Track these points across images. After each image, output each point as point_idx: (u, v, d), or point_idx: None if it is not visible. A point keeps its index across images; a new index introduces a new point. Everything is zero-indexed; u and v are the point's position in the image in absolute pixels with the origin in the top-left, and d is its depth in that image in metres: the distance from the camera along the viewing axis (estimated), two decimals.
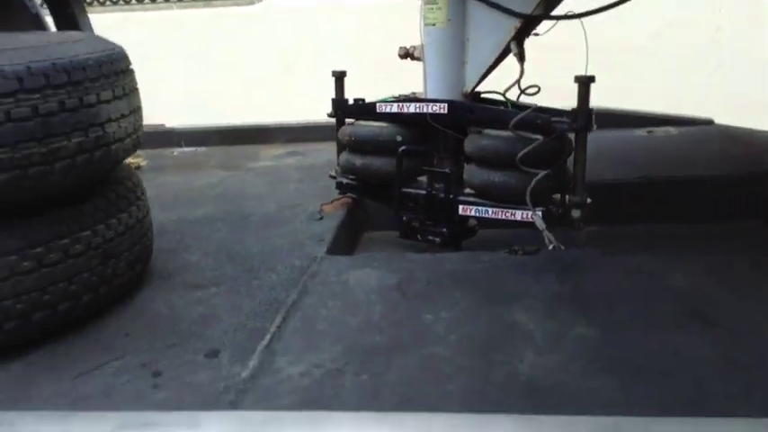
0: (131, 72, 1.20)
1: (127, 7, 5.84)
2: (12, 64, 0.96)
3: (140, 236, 1.28)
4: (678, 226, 1.74)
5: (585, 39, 1.47)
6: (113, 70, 1.12)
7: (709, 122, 2.43)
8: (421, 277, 1.33)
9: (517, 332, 1.10)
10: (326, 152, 2.28)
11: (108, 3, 5.92)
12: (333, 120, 1.82)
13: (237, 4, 5.66)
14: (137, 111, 1.20)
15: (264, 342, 1.10)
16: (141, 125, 1.23)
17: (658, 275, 1.27)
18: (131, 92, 1.18)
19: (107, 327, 1.17)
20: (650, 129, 2.43)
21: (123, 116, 1.14)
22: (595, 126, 1.46)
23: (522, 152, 1.43)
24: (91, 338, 1.13)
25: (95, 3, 5.80)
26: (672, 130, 2.41)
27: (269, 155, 2.48)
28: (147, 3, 5.78)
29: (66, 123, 1.01)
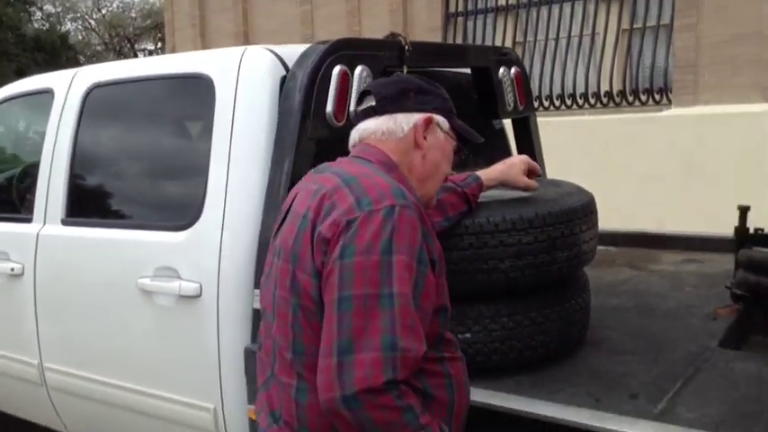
0: (596, 212, 1.93)
1: (547, 113, 6.84)
2: (539, 210, 1.76)
3: (586, 313, 1.98)
4: None
5: None
6: (588, 211, 1.86)
7: None
8: None
9: None
10: (722, 264, 2.71)
11: None
12: (731, 234, 2.32)
13: (646, 111, 6.23)
14: (596, 237, 1.92)
15: (668, 396, 1.67)
16: (596, 246, 1.94)
17: None
18: (595, 225, 1.90)
19: (565, 367, 1.87)
20: None
21: (590, 240, 1.86)
22: None
23: None
24: (554, 372, 1.84)
25: None
26: None
27: (669, 259, 3.00)
28: (564, 109, 6.71)
29: (563, 244, 1.77)
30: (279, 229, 1.49)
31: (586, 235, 1.85)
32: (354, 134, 1.55)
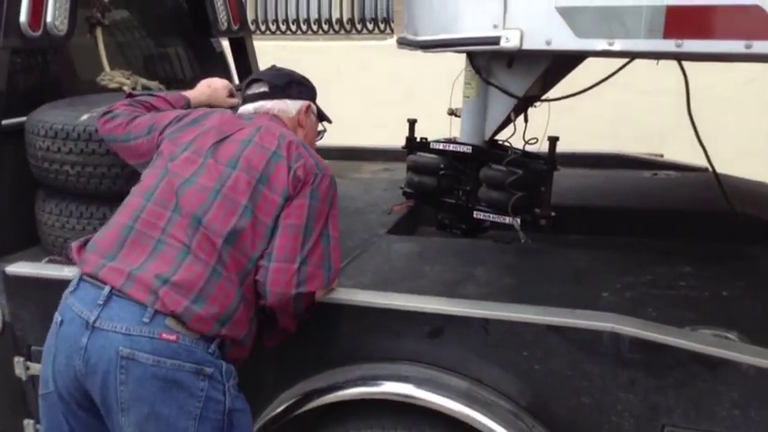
0: None
1: (283, 37, 7.05)
2: None
3: None
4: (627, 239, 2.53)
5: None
6: None
7: (705, 170, 3.11)
8: (434, 249, 2.24)
9: (471, 277, 1.98)
10: None
11: (268, 32, 7.18)
12: None
13: (373, 39, 6.72)
14: None
15: None
16: None
17: (573, 259, 2.11)
18: None
19: None
20: (655, 171, 3.17)
21: None
22: (559, 168, 2.30)
23: (509, 179, 2.29)
24: None
25: (258, 32, 7.08)
26: (672, 173, 3.15)
27: (369, 169, 3.46)
28: (300, 34, 6.97)
29: None
30: (218, 142, 1.83)
31: None
32: (249, 107, 2.04)
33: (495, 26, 1.86)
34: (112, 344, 1.58)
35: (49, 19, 2.12)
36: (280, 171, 1.78)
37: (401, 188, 2.75)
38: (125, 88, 2.44)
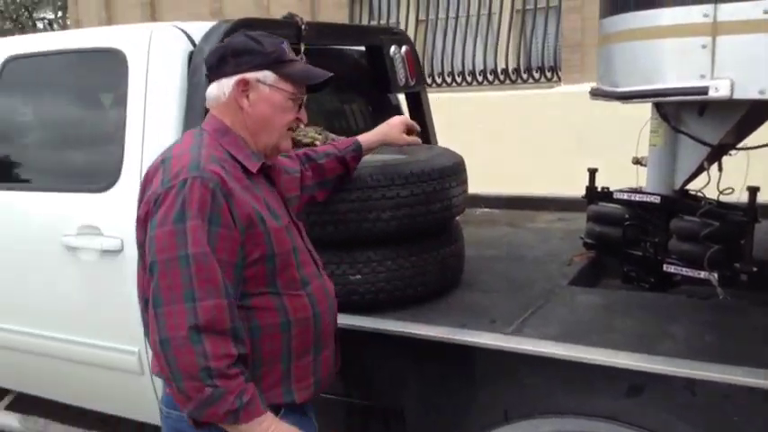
0: (465, 170, 2.27)
1: (450, 89, 7.19)
2: (414, 168, 2.08)
3: (459, 258, 2.32)
4: None
5: None
6: (457, 170, 2.20)
7: None
8: (622, 302, 2.15)
9: (667, 334, 1.88)
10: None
11: (434, 85, 7.37)
12: None
13: (540, 88, 6.69)
14: (465, 192, 2.26)
15: (519, 321, 2.02)
16: (466, 199, 2.28)
17: None
18: (464, 182, 2.24)
19: (441, 303, 2.19)
20: None
21: (459, 194, 2.20)
22: (760, 219, 2.14)
23: (704, 231, 2.17)
24: (431, 307, 2.17)
25: (427, 85, 7.28)
26: None
27: (544, 219, 3.41)
28: (465, 86, 7.09)
29: (437, 197, 2.10)
30: None
31: (456, 190, 2.19)
32: None
33: (703, 76, 1.78)
34: None
35: None
36: (138, 228, 1.59)
37: (581, 238, 2.68)
38: (317, 143, 2.61)
